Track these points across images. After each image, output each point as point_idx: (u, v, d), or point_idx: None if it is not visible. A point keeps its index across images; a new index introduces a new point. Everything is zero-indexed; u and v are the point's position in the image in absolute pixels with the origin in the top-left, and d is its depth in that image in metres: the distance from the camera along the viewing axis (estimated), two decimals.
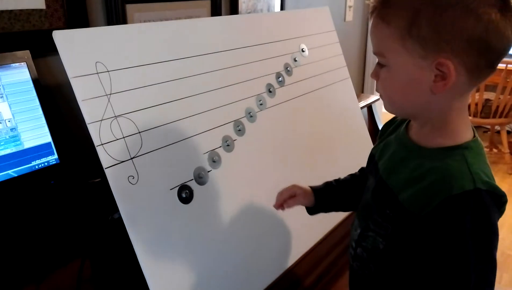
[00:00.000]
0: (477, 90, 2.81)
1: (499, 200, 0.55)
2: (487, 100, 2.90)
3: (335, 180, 0.86)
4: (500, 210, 0.56)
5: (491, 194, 0.54)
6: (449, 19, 0.51)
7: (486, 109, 2.90)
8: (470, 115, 2.90)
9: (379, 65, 0.59)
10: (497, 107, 2.83)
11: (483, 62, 0.54)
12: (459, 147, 0.57)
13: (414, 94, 0.58)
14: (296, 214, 1.00)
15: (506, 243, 2.23)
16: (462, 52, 0.52)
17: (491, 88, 3.07)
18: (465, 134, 0.59)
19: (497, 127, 3.12)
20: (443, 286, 0.55)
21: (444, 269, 0.55)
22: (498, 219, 0.56)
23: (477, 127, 3.89)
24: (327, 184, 0.85)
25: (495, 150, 3.18)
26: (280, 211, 0.86)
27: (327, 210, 0.86)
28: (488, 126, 3.34)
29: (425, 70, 0.54)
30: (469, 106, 2.87)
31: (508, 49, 0.55)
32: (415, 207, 0.57)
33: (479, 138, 0.60)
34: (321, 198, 0.82)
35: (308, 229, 1.01)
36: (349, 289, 0.76)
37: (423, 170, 0.58)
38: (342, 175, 0.86)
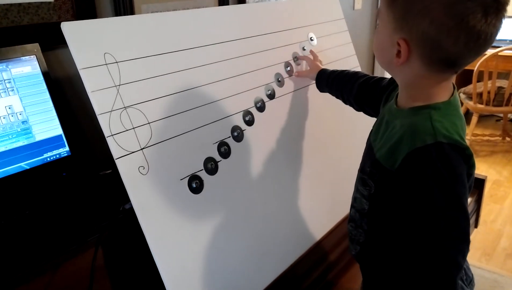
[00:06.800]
0: (490, 78, 2.76)
1: (463, 153, 0.58)
2: (500, 88, 2.84)
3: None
4: (469, 164, 0.59)
5: (453, 147, 0.57)
6: (413, 10, 0.57)
7: (498, 97, 2.83)
8: (482, 104, 2.84)
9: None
10: (510, 94, 2.78)
11: (435, 57, 0.58)
12: (428, 107, 0.61)
13: (386, 57, 0.64)
14: (305, 206, 1.00)
15: None
16: (417, 41, 0.58)
17: (504, 75, 3.00)
18: (439, 98, 0.62)
19: (510, 116, 3.06)
20: (418, 236, 0.58)
21: (416, 219, 0.58)
22: (466, 171, 0.59)
23: (490, 116, 3.80)
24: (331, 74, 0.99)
25: (508, 139, 3.12)
26: (288, 201, 0.86)
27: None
28: (501, 114, 3.28)
29: (392, 42, 0.61)
30: (481, 94, 2.81)
31: (466, 56, 0.58)
32: (388, 163, 0.62)
33: (454, 101, 0.63)
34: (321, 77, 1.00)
35: (316, 221, 1.01)
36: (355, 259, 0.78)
37: (395, 128, 0.63)
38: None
